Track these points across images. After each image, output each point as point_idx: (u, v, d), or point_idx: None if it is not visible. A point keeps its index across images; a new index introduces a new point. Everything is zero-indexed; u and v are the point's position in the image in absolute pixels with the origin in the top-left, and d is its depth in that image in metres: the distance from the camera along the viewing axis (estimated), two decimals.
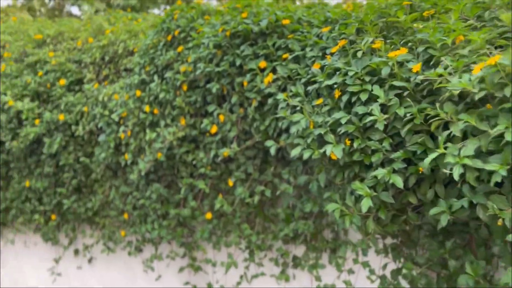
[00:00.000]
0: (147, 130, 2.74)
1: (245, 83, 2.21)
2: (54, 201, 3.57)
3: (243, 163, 2.57)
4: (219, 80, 2.38)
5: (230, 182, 2.58)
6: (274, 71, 2.11)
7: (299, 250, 2.66)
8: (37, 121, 3.38)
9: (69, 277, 3.91)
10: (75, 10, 7.38)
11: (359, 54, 1.62)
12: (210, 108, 2.49)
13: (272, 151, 2.02)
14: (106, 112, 3.14)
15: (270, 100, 2.07)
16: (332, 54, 1.81)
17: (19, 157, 3.63)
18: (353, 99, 1.58)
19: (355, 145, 1.54)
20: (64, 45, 3.59)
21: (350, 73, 1.58)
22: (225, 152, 2.29)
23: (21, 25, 3.93)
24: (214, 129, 2.44)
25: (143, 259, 3.58)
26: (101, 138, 3.21)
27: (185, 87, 2.65)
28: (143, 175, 2.96)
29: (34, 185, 3.56)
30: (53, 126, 3.39)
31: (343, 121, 1.56)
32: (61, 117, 3.32)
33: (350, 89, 1.56)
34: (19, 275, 4.08)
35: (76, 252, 3.81)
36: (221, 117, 2.36)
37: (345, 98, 1.60)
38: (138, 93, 2.80)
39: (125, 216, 3.33)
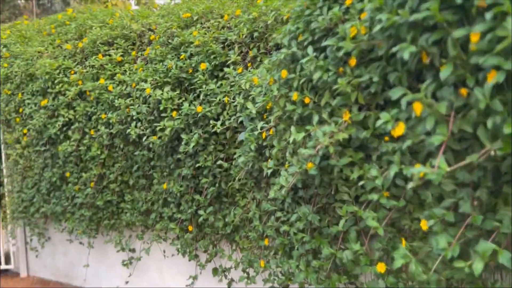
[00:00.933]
0: (292, 129, 1.82)
1: (473, 38, 1.09)
2: (191, 210, 2.98)
3: (451, 194, 1.43)
4: (414, 39, 1.31)
5: (424, 224, 1.47)
6: None
7: None
8: (174, 114, 2.82)
9: None
10: None
11: None
12: (395, 92, 1.43)
13: None
14: (248, 103, 2.36)
15: None
16: None
17: (160, 154, 3.16)
18: None
19: None
20: (212, 22, 2.97)
21: None
22: (423, 172, 1.20)
23: (175, 7, 3.50)
24: (400, 129, 1.37)
25: None
26: (241, 137, 2.44)
27: (353, 61, 1.64)
28: (286, 192, 2.07)
29: (171, 188, 3.04)
30: (192, 120, 2.79)
31: None
32: (199, 109, 2.68)
33: None
34: (160, 282, 3.68)
35: (215, 271, 3.17)
36: (417, 108, 1.27)
37: None
38: (284, 73, 1.91)
39: (266, 242, 2.50)
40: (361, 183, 1.67)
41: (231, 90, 2.63)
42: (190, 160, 2.94)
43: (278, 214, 2.35)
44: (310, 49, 1.81)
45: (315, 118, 1.79)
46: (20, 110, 3.90)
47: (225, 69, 2.53)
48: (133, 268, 3.84)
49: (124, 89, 3.25)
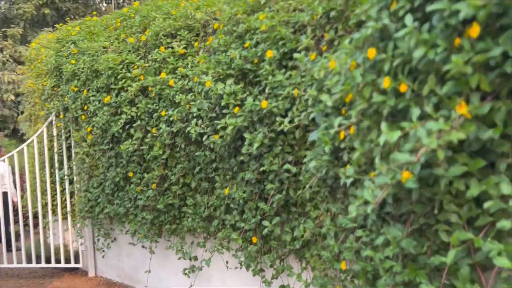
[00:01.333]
0: (383, 126, 1.37)
1: None
2: (255, 219, 2.62)
3: None
4: None
5: None
6: None
7: None
8: (236, 110, 2.47)
9: None
10: None
11: None
12: None
13: None
14: (323, 96, 1.94)
15: None
16: None
17: (222, 155, 2.84)
18: None
19: None
20: (281, 4, 2.58)
21: None
22: None
23: None
24: None
25: None
26: (312, 136, 2.02)
27: (475, 30, 1.16)
28: (372, 210, 1.61)
29: (233, 193, 2.70)
30: (256, 116, 2.42)
31: None
32: (264, 104, 2.30)
33: None
34: None
35: None
36: None
37: None
38: (372, 53, 1.46)
39: (342, 265, 2.05)
40: (487, 204, 1.17)
41: (301, 81, 2.22)
42: (254, 163, 2.58)
43: (359, 232, 1.89)
44: (408, 19, 1.34)
45: (415, 112, 1.32)
46: (85, 107, 3.81)
47: (295, 55, 2.13)
48: (195, 276, 3.57)
49: (186, 84, 2.97)
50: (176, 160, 3.27)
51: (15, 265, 4.63)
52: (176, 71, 3.13)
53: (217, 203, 2.96)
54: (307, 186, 2.16)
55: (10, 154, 4.65)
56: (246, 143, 2.45)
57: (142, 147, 3.39)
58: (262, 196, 2.67)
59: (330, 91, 1.94)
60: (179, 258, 3.35)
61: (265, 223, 2.50)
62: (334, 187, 2.19)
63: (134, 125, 3.41)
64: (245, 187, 2.68)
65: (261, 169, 2.44)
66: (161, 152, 3.22)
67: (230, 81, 2.59)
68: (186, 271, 3.36)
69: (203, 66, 2.72)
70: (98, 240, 4.48)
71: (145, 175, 3.36)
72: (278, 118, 2.25)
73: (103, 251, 4.40)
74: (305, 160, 2.12)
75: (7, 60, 9.14)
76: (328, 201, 2.21)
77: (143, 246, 3.84)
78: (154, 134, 3.25)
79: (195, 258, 3.39)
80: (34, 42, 5.00)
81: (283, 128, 2.21)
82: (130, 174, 3.56)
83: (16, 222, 5.47)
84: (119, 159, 3.70)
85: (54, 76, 4.27)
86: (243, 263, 2.82)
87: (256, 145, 2.35)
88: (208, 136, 2.72)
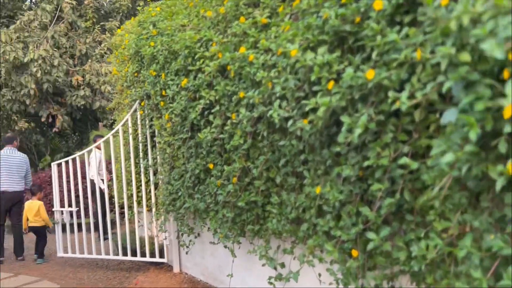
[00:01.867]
0: None
1: None
2: (356, 229, 2.02)
3: None
4: None
5: None
6: None
7: None
8: (330, 85, 1.88)
9: None
10: None
11: None
12: None
13: None
14: (463, 55, 1.28)
15: None
16: None
17: (312, 145, 2.27)
18: None
19: None
20: None
21: None
22: None
23: None
24: None
25: None
26: (448, 117, 1.36)
27: None
28: None
29: (326, 193, 2.13)
30: (358, 93, 1.81)
31: None
32: (370, 75, 1.68)
33: None
34: None
35: None
36: None
37: None
38: None
39: None
40: None
41: (425, 40, 1.56)
42: (355, 155, 1.97)
43: None
44: None
45: None
46: (163, 92, 3.49)
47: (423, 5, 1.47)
48: (283, 285, 3.07)
49: (268, 59, 2.45)
50: (259, 150, 2.78)
51: (103, 256, 4.57)
52: (257, 45, 2.62)
53: (306, 203, 2.41)
54: (436, 188, 1.50)
55: (96, 144, 4.59)
56: (343, 129, 1.85)
57: (222, 136, 2.96)
58: (364, 198, 2.05)
59: (475, 49, 1.26)
60: (263, 265, 2.87)
61: (370, 235, 1.89)
62: (475, 193, 1.51)
63: (213, 110, 2.99)
64: (342, 186, 2.08)
65: (365, 163, 1.82)
66: (241, 141, 2.75)
67: (322, 49, 2.00)
68: (272, 280, 2.87)
69: (288, 34, 2.16)
70: (182, 235, 4.20)
71: (225, 167, 2.93)
72: (390, 93, 1.62)
73: (187, 247, 4.11)
74: (432, 152, 1.46)
75: (105, 53, 9.52)
76: (467, 210, 1.53)
77: (225, 246, 3.44)
78: (234, 121, 2.80)
79: (282, 265, 2.89)
80: (120, 28, 4.87)
81: (399, 107, 1.57)
82: (210, 166, 3.16)
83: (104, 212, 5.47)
84: (199, 149, 3.33)
85: (136, 61, 4.05)
86: (340, 281, 2.25)
87: (358, 131, 1.74)
88: (295, 121, 2.17)
